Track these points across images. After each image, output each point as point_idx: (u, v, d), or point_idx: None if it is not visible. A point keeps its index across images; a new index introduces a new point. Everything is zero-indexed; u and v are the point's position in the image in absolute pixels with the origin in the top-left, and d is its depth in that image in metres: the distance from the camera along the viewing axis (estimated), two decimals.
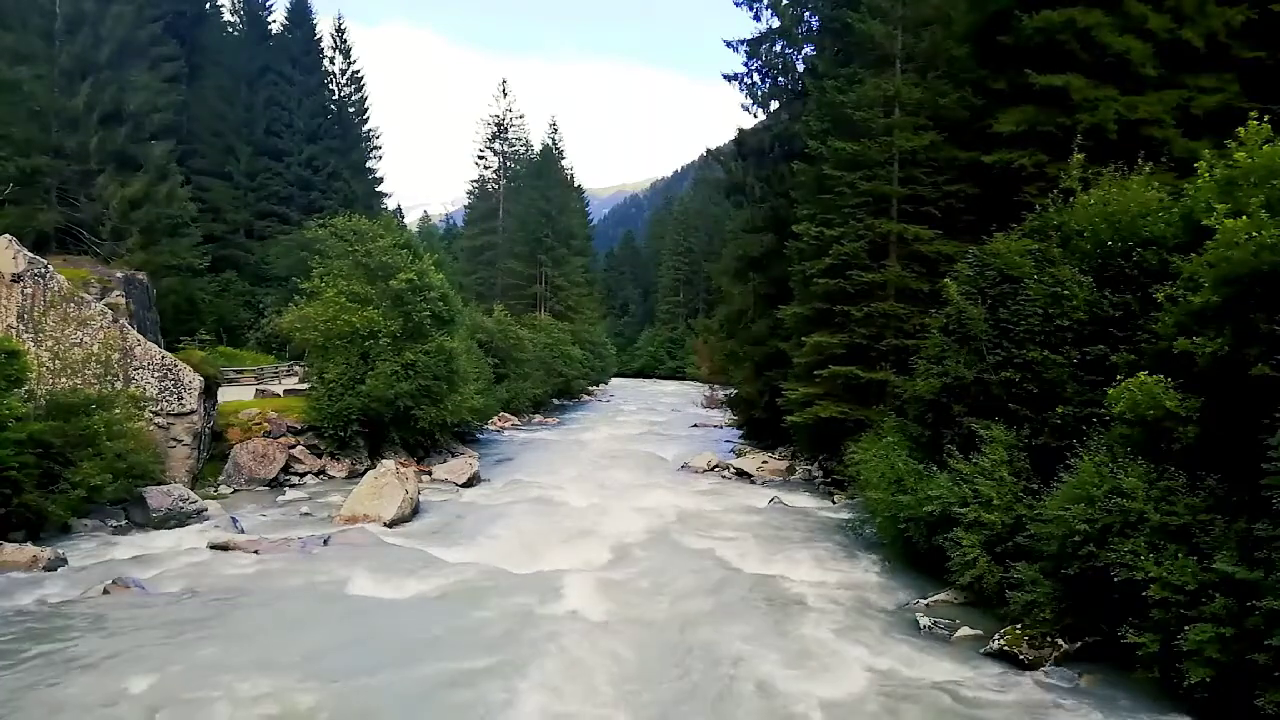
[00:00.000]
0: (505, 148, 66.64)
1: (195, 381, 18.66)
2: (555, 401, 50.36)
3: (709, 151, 40.01)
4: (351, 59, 50.26)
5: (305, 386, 24.61)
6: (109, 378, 17.44)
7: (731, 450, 28.55)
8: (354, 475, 20.99)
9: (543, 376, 45.48)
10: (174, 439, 18.26)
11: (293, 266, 33.53)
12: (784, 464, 24.86)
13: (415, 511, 17.28)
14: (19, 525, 13.48)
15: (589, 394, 61.78)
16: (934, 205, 19.44)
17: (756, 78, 28.82)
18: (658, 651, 9.84)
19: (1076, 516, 9.25)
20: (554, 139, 67.42)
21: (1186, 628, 7.87)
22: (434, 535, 15.81)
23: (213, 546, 13.91)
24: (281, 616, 10.70)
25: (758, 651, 9.77)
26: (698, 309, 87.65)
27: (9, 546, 12.49)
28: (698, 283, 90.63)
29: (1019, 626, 9.85)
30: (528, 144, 67.93)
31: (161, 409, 18.17)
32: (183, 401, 18.43)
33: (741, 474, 23.94)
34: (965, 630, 10.48)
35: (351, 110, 50.59)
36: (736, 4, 28.18)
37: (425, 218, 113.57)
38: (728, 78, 28.82)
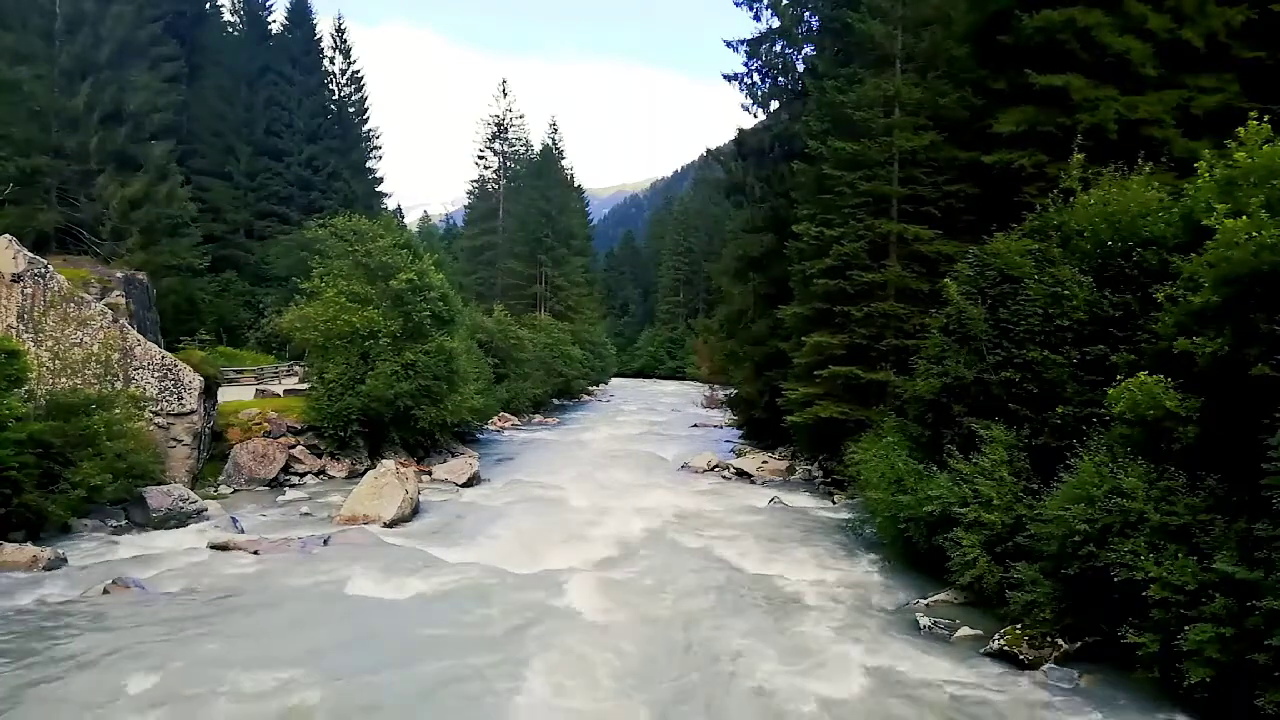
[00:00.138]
0: (505, 148, 66.66)
1: (195, 381, 18.67)
2: (555, 401, 50.36)
3: (709, 151, 40.02)
4: (351, 59, 50.32)
5: (305, 386, 24.61)
6: (109, 378, 17.45)
7: (731, 450, 28.56)
8: (354, 475, 20.99)
9: (543, 376, 45.48)
10: (174, 439, 18.26)
11: (293, 266, 33.54)
12: (784, 464, 24.87)
13: (415, 511, 17.28)
14: (19, 525, 13.48)
15: (589, 394, 61.79)
16: (934, 205, 19.44)
17: (756, 78, 28.85)
18: (658, 650, 9.84)
19: (1076, 516, 9.25)
20: (554, 139, 67.51)
21: (1186, 628, 7.87)
22: (434, 535, 15.80)
23: (213, 546, 13.92)
24: (281, 616, 10.70)
25: (758, 651, 9.77)
26: (698, 309, 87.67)
27: (9, 546, 12.50)
28: (698, 283, 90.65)
29: (1019, 626, 9.84)
30: (528, 144, 68.05)
31: (161, 409, 18.17)
32: (183, 401, 18.43)
33: (741, 474, 23.95)
34: (965, 630, 10.48)
35: (351, 110, 50.61)
36: (736, 4, 28.22)
37: (425, 218, 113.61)
38: (728, 78, 28.87)
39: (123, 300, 21.17)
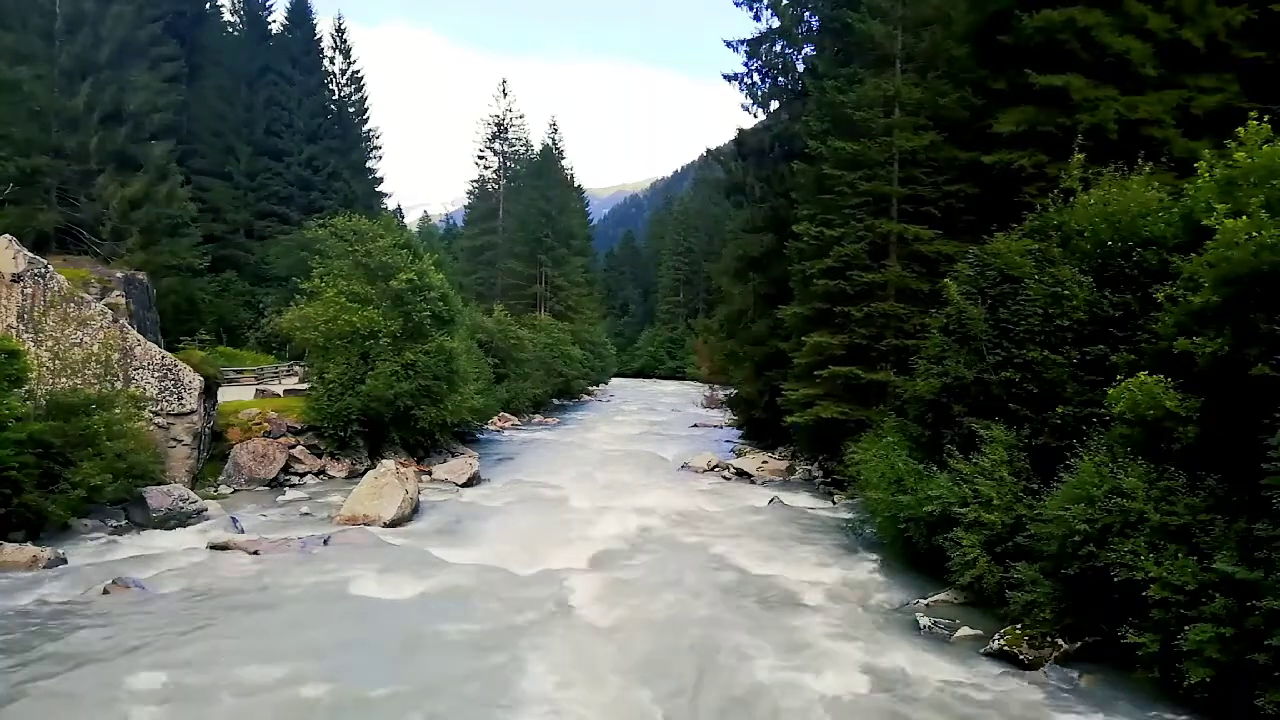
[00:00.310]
0: (505, 148, 66.66)
1: (195, 381, 18.66)
2: (555, 401, 50.36)
3: (709, 151, 40.04)
4: (351, 59, 50.33)
5: (305, 386, 24.61)
6: (109, 378, 17.43)
7: (731, 450, 28.56)
8: (354, 475, 20.98)
9: (543, 376, 45.48)
10: (174, 439, 18.26)
11: (293, 266, 33.53)
12: (784, 464, 24.87)
13: (415, 511, 17.28)
14: (19, 525, 13.47)
15: (589, 394, 61.79)
16: (934, 205, 19.45)
17: (756, 78, 28.85)
18: (658, 649, 9.84)
19: (1076, 516, 9.25)
20: (554, 139, 67.50)
21: (1186, 628, 7.88)
22: (434, 535, 15.81)
23: (213, 546, 13.91)
24: (281, 616, 10.70)
25: (758, 650, 9.77)
26: (698, 309, 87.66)
27: (9, 546, 12.50)
28: (698, 283, 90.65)
29: (1019, 626, 9.85)
30: (528, 144, 68.04)
31: (161, 409, 18.17)
32: (183, 401, 18.43)
33: (741, 474, 23.95)
34: (965, 630, 10.48)
35: (351, 110, 50.61)
36: (736, 4, 28.22)
37: (425, 218, 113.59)
38: (728, 78, 28.87)
39: (123, 300, 21.17)
